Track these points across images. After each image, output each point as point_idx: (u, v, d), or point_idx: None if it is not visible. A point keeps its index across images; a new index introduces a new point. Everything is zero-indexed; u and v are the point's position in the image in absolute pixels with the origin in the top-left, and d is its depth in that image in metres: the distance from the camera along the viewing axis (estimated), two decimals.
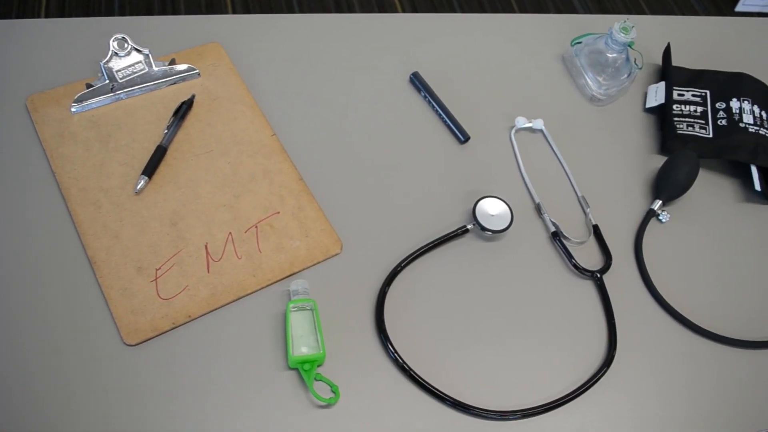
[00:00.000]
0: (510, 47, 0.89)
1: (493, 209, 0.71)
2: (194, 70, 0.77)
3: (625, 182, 0.80)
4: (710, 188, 0.83)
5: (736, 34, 1.01)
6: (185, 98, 0.74)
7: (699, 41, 0.97)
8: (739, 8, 1.79)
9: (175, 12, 1.74)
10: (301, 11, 1.73)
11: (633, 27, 0.82)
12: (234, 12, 1.73)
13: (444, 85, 0.83)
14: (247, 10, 1.72)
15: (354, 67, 0.83)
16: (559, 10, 1.74)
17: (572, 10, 1.75)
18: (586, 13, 1.78)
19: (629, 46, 0.85)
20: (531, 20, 0.93)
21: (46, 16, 1.75)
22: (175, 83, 0.76)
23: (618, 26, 0.82)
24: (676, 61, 0.94)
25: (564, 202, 0.77)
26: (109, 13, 1.74)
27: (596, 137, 0.83)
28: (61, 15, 1.75)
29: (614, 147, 0.83)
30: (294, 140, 0.75)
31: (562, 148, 0.81)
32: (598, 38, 0.86)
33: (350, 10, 1.72)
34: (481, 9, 1.73)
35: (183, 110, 0.73)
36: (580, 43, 0.87)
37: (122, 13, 1.74)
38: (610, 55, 0.85)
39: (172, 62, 0.76)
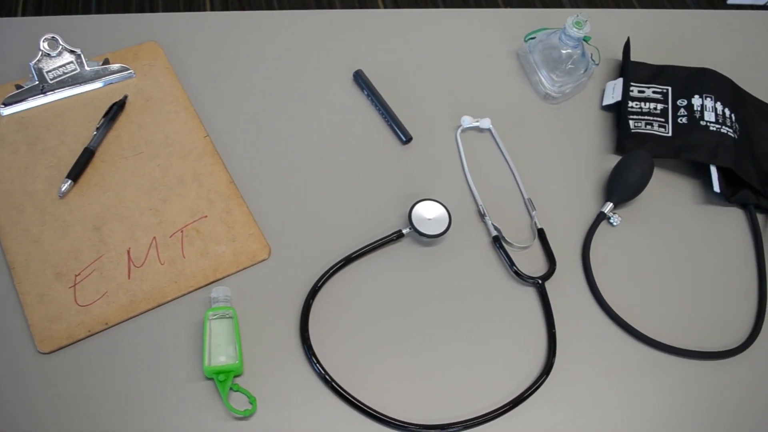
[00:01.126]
0: (462, 44, 0.88)
1: (429, 213, 0.70)
2: (128, 69, 0.76)
3: (577, 184, 0.79)
4: (668, 189, 0.81)
5: (708, 27, 0.98)
6: (118, 99, 0.74)
7: (670, 35, 0.95)
8: (731, 0, 1.75)
9: (153, 9, 1.74)
10: (281, 8, 1.72)
11: (587, 21, 0.80)
12: (213, 9, 1.73)
13: (390, 83, 0.82)
14: (226, 7, 1.72)
15: (296, 66, 0.81)
16: (545, 5, 1.72)
17: (559, 5, 1.72)
18: (573, 7, 1.76)
19: (585, 40, 0.83)
20: (486, 15, 0.91)
21: (23, 15, 1.76)
22: (109, 83, 0.75)
23: (571, 21, 0.81)
24: (644, 57, 0.92)
25: (510, 205, 0.75)
26: (86, 11, 1.75)
27: (549, 137, 0.82)
28: (38, 13, 1.75)
29: (567, 147, 0.81)
30: (229, 142, 0.74)
31: (512, 149, 0.79)
32: (552, 33, 0.84)
33: (331, 6, 1.70)
34: (465, 4, 1.71)
35: (113, 111, 0.72)
36: (533, 38, 0.85)
37: (99, 11, 1.74)
38: (564, 51, 0.83)
39: (106, 62, 0.75)
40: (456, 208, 0.74)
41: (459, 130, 0.79)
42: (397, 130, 0.77)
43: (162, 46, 0.80)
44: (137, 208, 0.68)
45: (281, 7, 1.71)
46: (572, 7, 1.76)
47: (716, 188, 0.78)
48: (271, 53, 0.82)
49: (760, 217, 0.81)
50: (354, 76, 0.80)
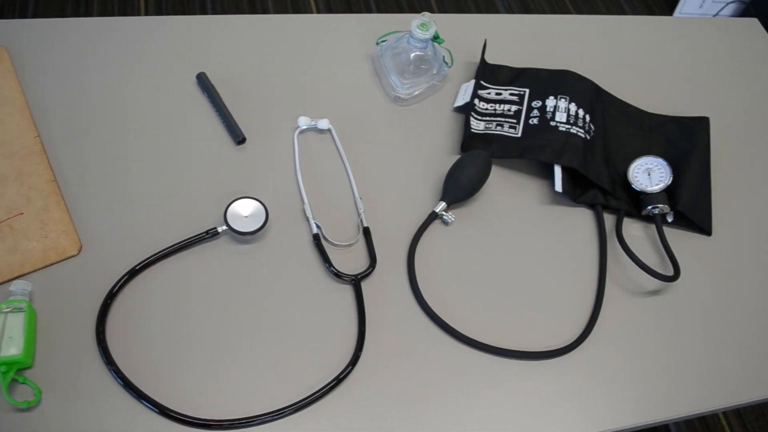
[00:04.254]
0: (318, 48, 0.92)
1: (246, 210, 0.74)
2: None
3: (417, 184, 0.82)
4: (514, 190, 0.83)
5: (585, 31, 1.02)
6: None
7: (546, 39, 0.99)
8: (677, 13, 1.78)
9: (88, 12, 1.81)
10: (215, 12, 1.79)
11: (431, 23, 0.84)
12: (147, 13, 1.79)
13: (238, 87, 0.86)
14: (160, 11, 1.78)
15: (142, 70, 0.86)
16: (480, 10, 1.76)
17: (494, 10, 1.77)
18: (507, 13, 1.80)
19: (437, 43, 0.87)
20: (348, 20, 0.95)
21: None
22: None
23: (416, 23, 0.84)
24: (516, 60, 0.95)
25: (341, 205, 0.79)
26: (23, 15, 1.82)
27: (394, 138, 0.85)
28: None
29: (412, 148, 0.85)
30: (61, 142, 0.79)
31: (353, 150, 0.83)
32: (402, 36, 0.88)
33: (264, 11, 1.76)
34: (399, 9, 1.76)
35: None
36: (385, 41, 0.89)
37: (35, 15, 1.82)
38: (412, 54, 0.87)
39: None
40: (281, 207, 0.77)
41: (297, 131, 0.83)
42: (231, 131, 0.81)
43: (11, 51, 0.85)
44: None
45: (215, 12, 1.77)
46: (506, 11, 1.80)
47: (558, 188, 0.81)
48: (118, 58, 0.87)
49: (609, 217, 0.84)
50: (197, 78, 0.85)
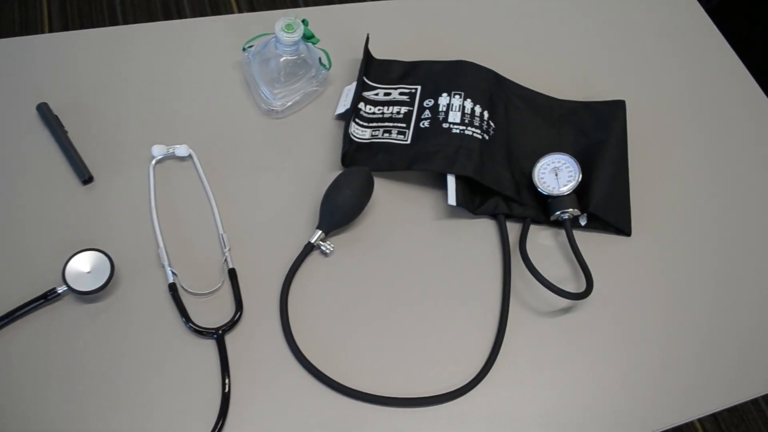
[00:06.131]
0: (177, 61, 0.81)
1: (87, 265, 0.65)
2: None
3: (295, 211, 0.73)
4: (402, 206, 0.75)
5: (508, 13, 0.92)
6: None
7: (463, 24, 0.89)
8: None
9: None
10: (126, 21, 1.66)
11: (298, 21, 0.74)
12: (51, 30, 1.68)
13: (86, 116, 0.76)
14: (66, 27, 1.66)
15: None
16: None
17: None
18: None
19: (311, 43, 0.77)
20: (208, 24, 0.85)
21: None
22: None
23: (280, 25, 0.75)
24: (421, 52, 0.86)
25: (204, 244, 0.70)
26: None
27: (268, 158, 0.76)
28: None
29: (289, 168, 0.75)
30: None
31: (219, 177, 0.74)
32: (269, 40, 0.78)
33: (180, 15, 1.64)
34: (329, 2, 1.64)
35: None
36: (252, 47, 0.79)
37: None
38: (282, 59, 0.77)
39: None
40: (134, 255, 0.68)
41: (152, 163, 0.73)
42: (75, 169, 0.71)
43: None
44: None
45: (126, 20, 1.65)
46: None
47: (451, 201, 0.72)
48: None
49: (516, 227, 0.75)
50: (37, 109, 0.75)
